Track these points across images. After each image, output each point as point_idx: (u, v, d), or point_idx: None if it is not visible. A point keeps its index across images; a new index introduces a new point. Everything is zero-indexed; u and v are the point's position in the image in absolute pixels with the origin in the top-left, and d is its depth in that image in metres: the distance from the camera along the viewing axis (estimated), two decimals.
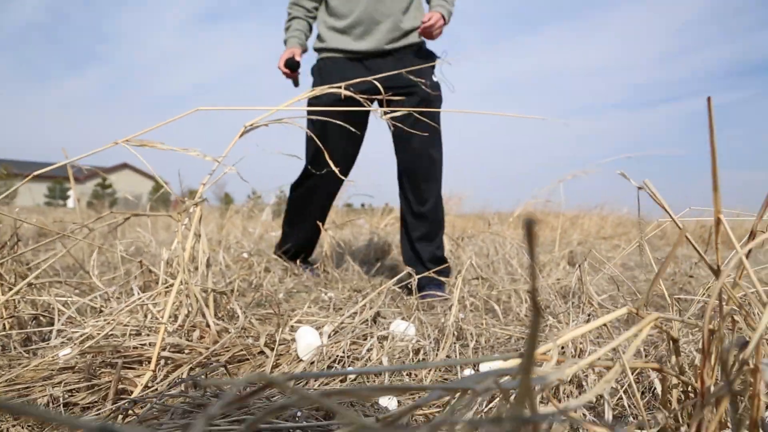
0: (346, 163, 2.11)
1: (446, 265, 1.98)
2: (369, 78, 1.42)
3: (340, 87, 1.40)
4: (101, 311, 1.07)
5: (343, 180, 2.19)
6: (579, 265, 0.97)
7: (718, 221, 0.43)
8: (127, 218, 1.24)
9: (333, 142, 2.01)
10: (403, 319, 1.19)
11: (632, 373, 0.77)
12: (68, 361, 0.85)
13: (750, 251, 0.45)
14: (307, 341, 0.99)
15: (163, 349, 0.90)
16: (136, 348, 0.90)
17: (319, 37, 2.11)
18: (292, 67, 2.05)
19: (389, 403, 0.75)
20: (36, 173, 1.08)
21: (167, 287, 1.06)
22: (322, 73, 2.06)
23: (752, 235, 0.45)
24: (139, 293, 1.07)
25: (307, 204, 2.17)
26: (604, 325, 0.60)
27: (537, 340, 0.21)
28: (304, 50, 2.16)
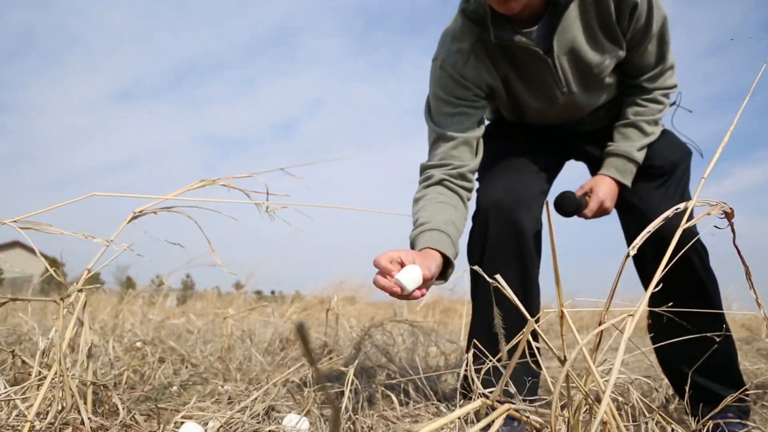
0: None
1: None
2: None
3: None
4: None
5: None
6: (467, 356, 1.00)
7: (562, 314, 0.47)
8: (3, 302, 1.15)
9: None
10: (297, 413, 1.16)
11: None
12: None
13: (600, 340, 0.49)
14: None
15: None
16: None
17: None
18: None
19: None
20: None
21: (40, 380, 0.99)
22: None
23: (600, 324, 0.50)
24: (6, 387, 0.98)
25: None
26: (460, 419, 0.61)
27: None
28: None
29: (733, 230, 0.58)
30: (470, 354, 0.87)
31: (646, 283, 1.42)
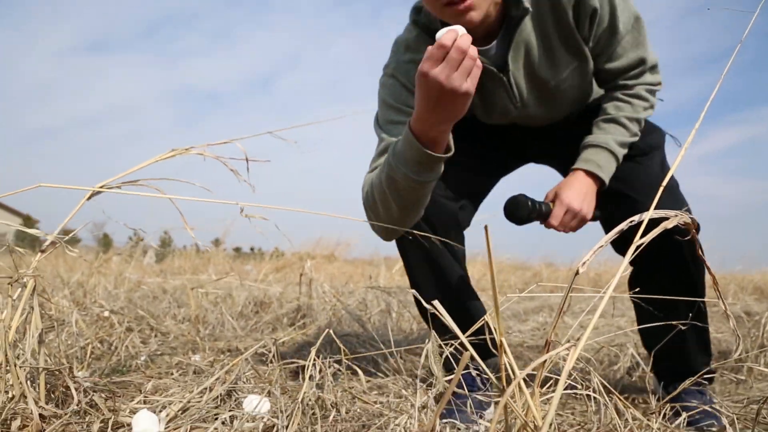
0: None
1: None
2: None
3: None
4: None
5: None
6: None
7: (501, 343, 0.45)
8: None
9: None
10: (258, 393, 1.15)
11: None
12: None
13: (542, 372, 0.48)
14: (143, 428, 0.92)
15: None
16: None
17: None
18: None
19: None
20: None
21: None
22: None
23: (547, 345, 0.48)
24: None
25: None
26: None
27: None
28: None
29: (695, 240, 0.56)
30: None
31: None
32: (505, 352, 0.46)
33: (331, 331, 1.27)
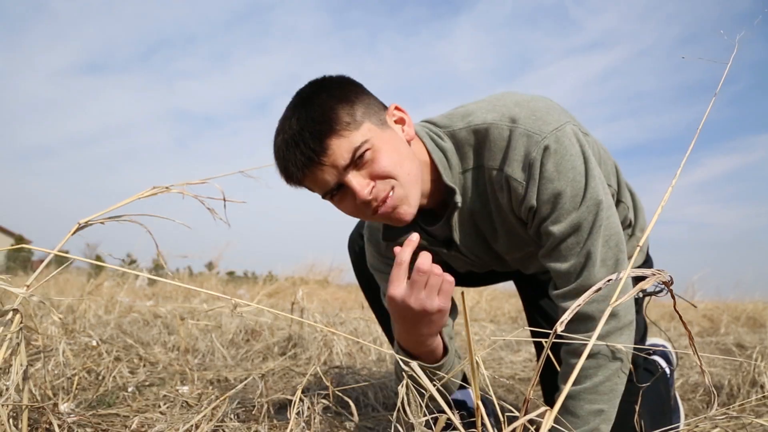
0: None
1: None
2: None
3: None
4: None
5: None
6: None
7: (478, 406, 0.46)
8: None
9: None
10: (246, 431, 1.14)
11: None
12: None
13: None
14: None
15: None
16: None
17: None
18: None
19: None
20: None
21: None
22: None
23: (524, 409, 0.49)
24: None
25: None
26: None
27: None
28: None
29: (673, 297, 0.57)
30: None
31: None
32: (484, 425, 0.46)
33: (318, 369, 1.26)
